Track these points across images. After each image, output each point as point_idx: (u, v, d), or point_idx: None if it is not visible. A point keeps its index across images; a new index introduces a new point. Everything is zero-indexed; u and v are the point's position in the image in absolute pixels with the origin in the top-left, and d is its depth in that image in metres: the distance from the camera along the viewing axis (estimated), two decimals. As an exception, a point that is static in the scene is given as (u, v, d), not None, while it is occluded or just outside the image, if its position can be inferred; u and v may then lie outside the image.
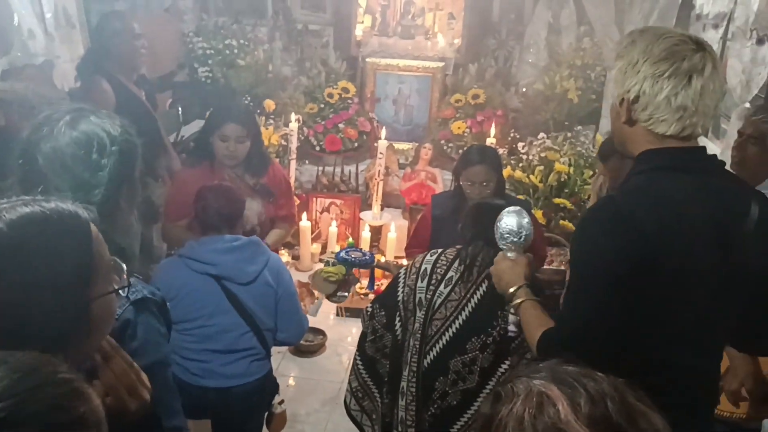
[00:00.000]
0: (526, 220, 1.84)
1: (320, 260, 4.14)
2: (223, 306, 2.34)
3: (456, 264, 2.21)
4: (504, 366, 2.13)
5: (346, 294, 2.95)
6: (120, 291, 1.08)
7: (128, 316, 1.24)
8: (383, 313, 2.33)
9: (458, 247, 2.28)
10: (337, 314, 3.89)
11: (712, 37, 4.05)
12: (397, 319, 2.30)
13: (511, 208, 1.88)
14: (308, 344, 3.52)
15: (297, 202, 4.45)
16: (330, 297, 2.98)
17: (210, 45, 4.91)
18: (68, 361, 0.81)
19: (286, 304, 2.45)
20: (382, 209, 4.59)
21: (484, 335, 2.13)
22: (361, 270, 3.39)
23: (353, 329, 3.64)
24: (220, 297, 2.34)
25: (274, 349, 2.70)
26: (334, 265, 3.10)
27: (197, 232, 2.49)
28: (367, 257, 3.13)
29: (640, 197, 1.40)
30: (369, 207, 4.63)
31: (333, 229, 4.50)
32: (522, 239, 1.81)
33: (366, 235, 4.42)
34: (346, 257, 3.07)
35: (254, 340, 2.37)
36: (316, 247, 4.55)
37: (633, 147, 1.47)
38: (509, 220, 1.83)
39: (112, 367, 1.05)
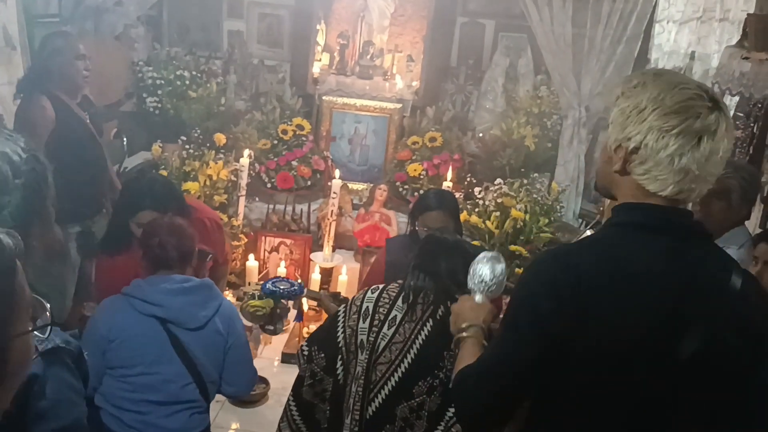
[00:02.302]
0: (500, 268, 1.76)
1: (243, 293, 3.90)
2: (167, 353, 2.14)
3: (399, 302, 2.09)
4: (452, 410, 2.00)
5: (272, 327, 2.74)
6: (40, 331, 0.94)
7: (36, 371, 1.04)
8: (323, 355, 2.15)
9: (400, 281, 2.16)
10: (282, 360, 3.68)
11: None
12: (339, 362, 2.14)
13: (489, 254, 1.79)
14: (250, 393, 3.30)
15: (244, 240, 4.31)
16: (261, 328, 2.78)
17: (161, 75, 4.75)
18: None
19: (237, 354, 2.26)
20: (333, 251, 4.43)
21: (431, 377, 2.00)
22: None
23: (299, 377, 3.44)
24: (164, 343, 2.14)
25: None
26: (260, 298, 2.90)
27: (146, 270, 2.29)
28: (296, 288, 2.96)
29: (594, 252, 1.29)
30: (320, 248, 4.47)
31: (282, 269, 4.31)
32: (493, 289, 1.74)
33: (316, 276, 4.24)
34: (273, 289, 2.88)
35: (197, 392, 2.18)
36: (264, 288, 4.36)
37: (617, 193, 1.36)
38: (484, 268, 1.74)
39: None
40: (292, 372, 3.55)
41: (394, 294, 2.11)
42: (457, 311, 1.71)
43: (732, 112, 2.95)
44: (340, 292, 3.50)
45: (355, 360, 2.09)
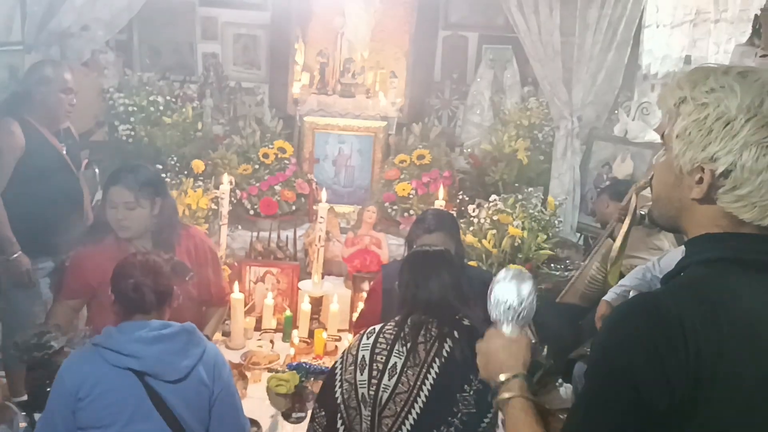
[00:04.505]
0: (527, 286, 1.42)
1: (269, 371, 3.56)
2: (145, 409, 1.92)
3: (397, 346, 1.88)
4: None
5: (303, 414, 2.52)
6: None
7: None
8: (323, 413, 1.95)
9: (396, 319, 1.95)
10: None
11: (662, 97, 3.98)
12: (339, 420, 1.92)
13: (508, 272, 1.46)
14: (241, 438, 3.05)
15: (228, 272, 4.07)
16: (285, 416, 2.55)
17: (133, 101, 4.53)
18: None
19: (224, 405, 2.03)
20: (322, 278, 4.21)
21: (444, 426, 1.81)
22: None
23: (292, 417, 3.20)
24: (141, 398, 1.92)
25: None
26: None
27: (119, 315, 2.06)
28: (323, 368, 2.77)
29: (693, 299, 1.02)
30: (308, 275, 4.24)
31: (269, 301, 4.08)
32: (524, 314, 1.40)
33: (306, 307, 4.01)
34: (300, 364, 2.69)
35: (180, 451, 1.94)
36: (250, 321, 4.11)
37: (690, 224, 1.11)
38: (507, 290, 1.41)
39: None
40: (285, 414, 3.33)
41: (391, 337, 1.89)
42: (485, 352, 1.38)
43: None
44: None
45: (359, 416, 1.87)
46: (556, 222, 4.08)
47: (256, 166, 4.56)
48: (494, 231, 3.94)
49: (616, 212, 3.21)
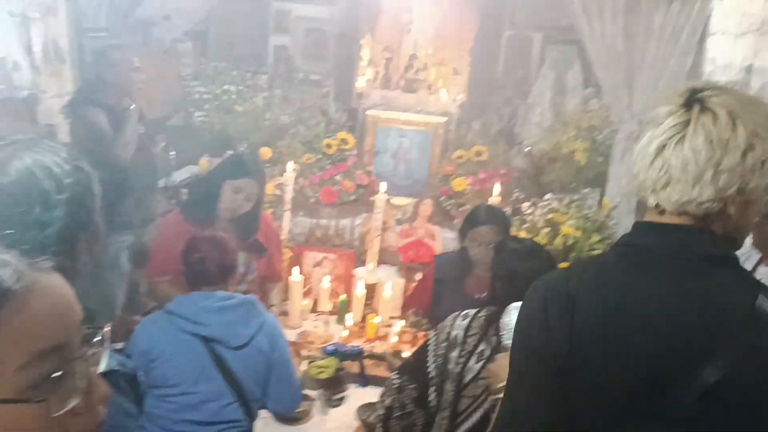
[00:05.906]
0: None
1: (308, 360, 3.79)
2: (209, 372, 2.11)
3: (489, 335, 1.97)
4: None
5: (341, 396, 2.68)
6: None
7: None
8: (413, 386, 2.06)
9: (491, 308, 2.05)
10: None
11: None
12: (433, 393, 2.03)
13: (518, 303, 1.64)
14: (294, 410, 3.24)
15: (289, 254, 4.27)
16: (327, 401, 2.70)
17: (208, 89, 4.78)
18: None
19: (280, 372, 2.22)
20: (377, 266, 4.36)
21: None
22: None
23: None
24: (207, 362, 2.11)
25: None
26: (321, 359, 2.85)
27: (188, 286, 2.26)
28: (357, 348, 2.93)
29: (587, 279, 1.17)
30: (363, 263, 4.41)
31: (325, 285, 4.26)
32: None
33: (360, 292, 4.18)
34: (335, 348, 2.87)
35: (240, 411, 2.13)
36: (307, 303, 4.31)
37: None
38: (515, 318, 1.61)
39: None
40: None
41: (485, 324, 1.99)
42: (493, 371, 1.59)
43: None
44: (400, 351, 3.39)
45: (443, 388, 2.00)
46: (610, 223, 4.12)
47: (319, 156, 4.74)
48: (548, 229, 4.01)
49: None
